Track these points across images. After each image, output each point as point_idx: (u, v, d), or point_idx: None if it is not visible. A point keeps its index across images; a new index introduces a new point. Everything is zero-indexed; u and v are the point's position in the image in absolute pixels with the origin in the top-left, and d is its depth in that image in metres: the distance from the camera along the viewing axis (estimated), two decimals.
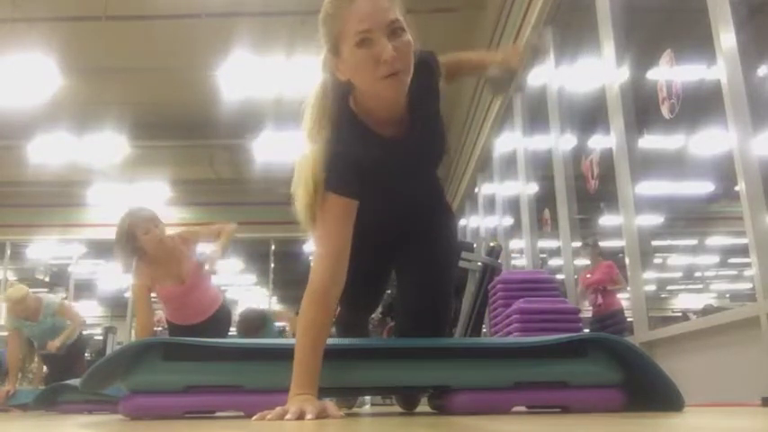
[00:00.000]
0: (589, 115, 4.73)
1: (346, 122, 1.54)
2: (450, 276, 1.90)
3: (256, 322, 5.20)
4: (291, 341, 1.49)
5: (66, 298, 10.15)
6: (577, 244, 4.71)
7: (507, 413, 1.60)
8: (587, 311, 5.71)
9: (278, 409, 1.31)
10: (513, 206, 6.47)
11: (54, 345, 4.79)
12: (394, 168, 1.62)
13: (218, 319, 3.57)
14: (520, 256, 6.32)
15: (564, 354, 1.64)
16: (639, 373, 1.60)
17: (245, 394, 1.58)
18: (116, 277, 13.82)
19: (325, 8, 1.46)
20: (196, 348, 1.64)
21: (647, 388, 1.60)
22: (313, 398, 1.36)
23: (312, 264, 1.51)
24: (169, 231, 3.35)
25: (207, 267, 3.33)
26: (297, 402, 1.32)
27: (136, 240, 3.17)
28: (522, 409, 1.74)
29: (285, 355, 1.46)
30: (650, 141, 5.33)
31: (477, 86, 7.43)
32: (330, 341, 1.49)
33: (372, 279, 1.96)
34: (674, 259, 14.19)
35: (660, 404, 1.58)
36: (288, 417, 1.27)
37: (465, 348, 1.73)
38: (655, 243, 4.59)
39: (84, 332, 5.62)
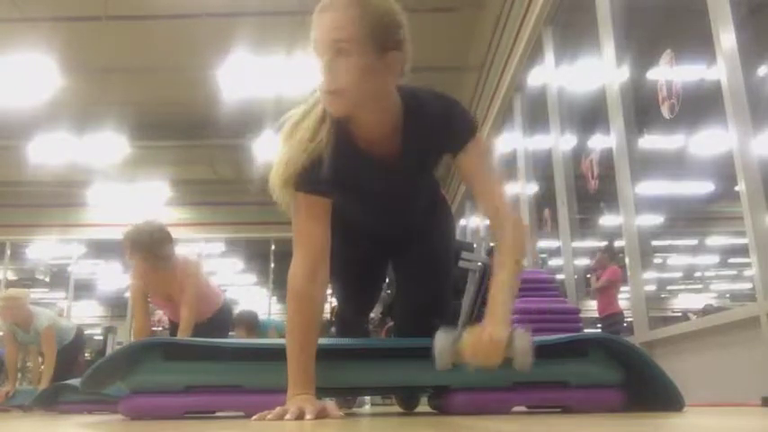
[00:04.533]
0: (589, 115, 4.73)
1: (333, 129, 1.48)
2: (448, 274, 1.87)
3: (251, 322, 5.28)
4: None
5: (66, 298, 10.16)
6: (578, 244, 4.71)
7: (507, 413, 1.60)
8: (588, 311, 5.72)
9: (278, 408, 1.31)
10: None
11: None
12: (378, 180, 1.57)
13: (219, 320, 3.59)
14: None
15: (564, 354, 1.63)
16: (639, 374, 1.60)
17: (245, 394, 1.59)
18: (116, 277, 13.86)
19: None
20: (196, 348, 1.64)
21: (648, 388, 1.60)
22: (312, 397, 1.36)
23: (290, 266, 1.48)
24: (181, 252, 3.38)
25: None
26: (296, 402, 1.32)
27: (131, 258, 3.21)
28: (523, 409, 1.74)
29: (284, 355, 1.47)
30: (650, 141, 5.33)
31: (476, 86, 7.43)
32: (330, 341, 1.51)
33: (368, 278, 1.94)
34: (674, 259, 14.17)
35: (660, 404, 1.58)
36: (287, 417, 1.27)
37: None
38: (655, 243, 4.58)
39: (84, 332, 5.62)
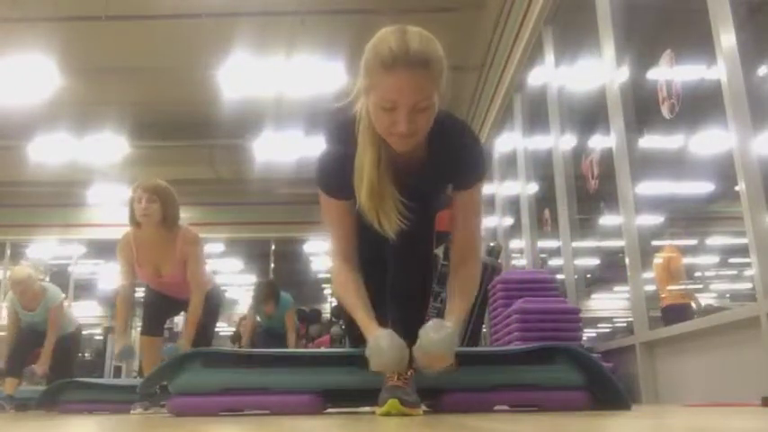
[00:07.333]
0: (589, 115, 4.73)
1: (366, 136, 1.64)
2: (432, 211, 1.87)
3: (266, 291, 5.54)
4: (310, 351, 1.82)
5: (66, 298, 10.13)
6: (578, 244, 4.71)
7: (490, 411, 1.80)
8: (587, 311, 5.71)
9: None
10: (513, 206, 6.47)
11: (41, 370, 4.74)
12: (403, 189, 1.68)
13: (205, 306, 3.43)
14: (520, 256, 6.32)
15: (535, 361, 1.90)
16: (597, 379, 1.86)
17: (271, 395, 1.85)
18: (116, 277, 13.85)
19: (371, 53, 1.53)
20: (230, 357, 1.96)
21: (602, 391, 1.87)
22: (384, 332, 1.56)
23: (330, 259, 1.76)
24: (186, 225, 3.35)
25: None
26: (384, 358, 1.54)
27: (133, 209, 3.18)
28: (505, 408, 1.92)
29: (303, 361, 1.87)
30: (650, 141, 5.33)
31: (476, 86, 7.43)
32: (336, 351, 1.63)
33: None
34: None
35: (612, 405, 1.83)
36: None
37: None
38: (655, 243, 4.58)
39: (84, 332, 5.59)
